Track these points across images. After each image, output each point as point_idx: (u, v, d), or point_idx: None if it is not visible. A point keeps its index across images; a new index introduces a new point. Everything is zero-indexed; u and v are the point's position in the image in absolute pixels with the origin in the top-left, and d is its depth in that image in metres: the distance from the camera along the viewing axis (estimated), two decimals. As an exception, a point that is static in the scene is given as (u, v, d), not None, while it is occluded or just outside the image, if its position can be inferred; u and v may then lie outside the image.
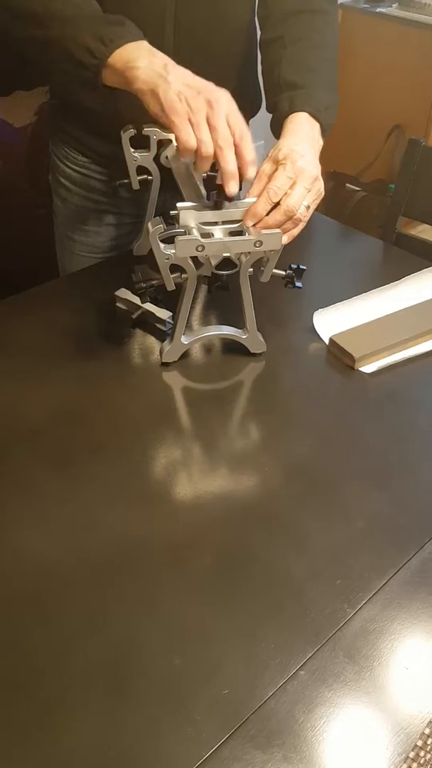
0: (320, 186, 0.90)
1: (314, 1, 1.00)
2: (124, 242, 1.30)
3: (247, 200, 0.93)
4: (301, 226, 0.89)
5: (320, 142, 0.94)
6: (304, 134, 0.91)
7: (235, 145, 0.82)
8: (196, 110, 0.79)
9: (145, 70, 0.80)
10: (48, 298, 1.16)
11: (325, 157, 0.93)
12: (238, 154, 0.83)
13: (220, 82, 0.88)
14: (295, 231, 0.89)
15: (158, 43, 0.86)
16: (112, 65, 0.83)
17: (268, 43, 1.01)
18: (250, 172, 0.84)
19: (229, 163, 0.82)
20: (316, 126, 0.94)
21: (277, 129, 0.97)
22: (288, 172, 0.85)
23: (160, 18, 0.98)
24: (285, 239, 0.88)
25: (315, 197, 0.89)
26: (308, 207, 0.88)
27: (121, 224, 1.29)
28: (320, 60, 0.98)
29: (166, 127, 0.83)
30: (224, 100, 0.81)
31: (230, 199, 0.89)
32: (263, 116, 1.26)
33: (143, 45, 0.84)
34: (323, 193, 0.91)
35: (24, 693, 0.65)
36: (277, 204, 0.86)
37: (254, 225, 0.87)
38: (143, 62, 0.81)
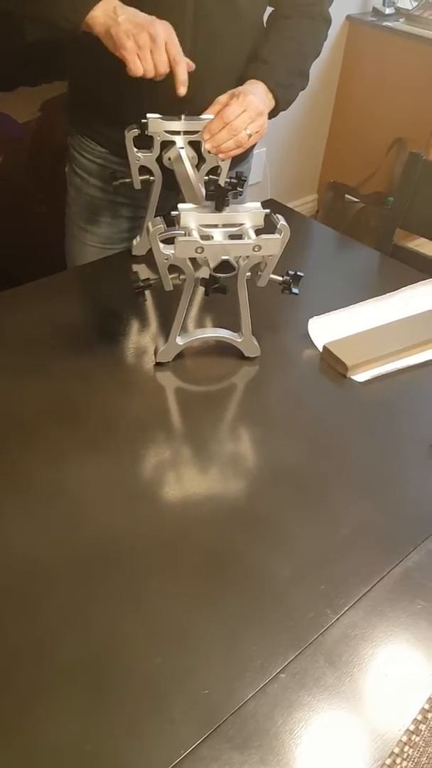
0: (263, 121, 1.07)
1: (311, 12, 1.18)
2: (136, 236, 1.30)
3: (247, 204, 0.94)
4: (240, 149, 1.06)
5: (271, 105, 1.13)
6: (257, 89, 1.10)
7: (171, 66, 1.00)
8: (142, 45, 0.97)
9: (100, 16, 0.99)
10: (45, 293, 1.16)
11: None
12: (173, 73, 1.00)
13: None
14: (235, 151, 1.06)
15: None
16: (84, 23, 1.01)
17: (264, 33, 1.19)
18: (181, 90, 1.01)
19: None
20: (270, 96, 1.12)
21: None
22: (240, 102, 1.04)
23: (181, 9, 1.05)
24: (222, 156, 1.06)
25: (257, 129, 1.06)
26: (250, 135, 1.05)
27: (135, 217, 1.30)
28: (293, 50, 1.17)
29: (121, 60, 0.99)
30: (162, 33, 0.98)
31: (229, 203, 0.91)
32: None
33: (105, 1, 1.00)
34: (265, 131, 1.08)
35: (4, 685, 0.64)
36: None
37: (208, 141, 1.04)
38: (99, 10, 0.99)
